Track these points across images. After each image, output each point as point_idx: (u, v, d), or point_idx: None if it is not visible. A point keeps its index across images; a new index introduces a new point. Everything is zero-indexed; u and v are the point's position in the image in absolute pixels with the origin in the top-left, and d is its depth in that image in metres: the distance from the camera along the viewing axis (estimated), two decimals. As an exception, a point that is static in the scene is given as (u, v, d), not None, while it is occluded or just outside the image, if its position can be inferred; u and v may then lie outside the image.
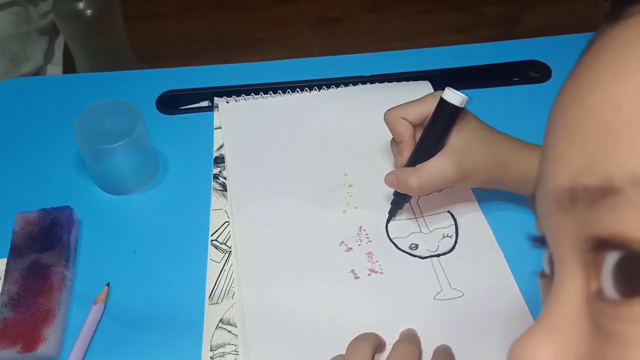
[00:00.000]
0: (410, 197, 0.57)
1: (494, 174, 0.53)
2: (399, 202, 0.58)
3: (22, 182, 0.63)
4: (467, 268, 0.55)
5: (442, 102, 0.52)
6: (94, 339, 0.51)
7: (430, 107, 0.53)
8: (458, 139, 0.53)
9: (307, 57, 0.76)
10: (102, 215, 0.60)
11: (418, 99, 0.55)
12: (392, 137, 0.58)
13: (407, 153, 0.55)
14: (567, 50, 0.76)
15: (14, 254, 0.54)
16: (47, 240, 0.55)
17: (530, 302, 0.52)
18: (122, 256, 0.57)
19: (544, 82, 0.72)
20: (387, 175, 0.56)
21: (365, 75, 0.72)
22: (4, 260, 0.54)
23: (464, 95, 0.51)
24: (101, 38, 0.92)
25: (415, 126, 0.55)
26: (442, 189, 0.56)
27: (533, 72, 0.73)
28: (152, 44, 1.66)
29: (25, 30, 1.02)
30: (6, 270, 0.53)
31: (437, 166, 0.52)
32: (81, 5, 0.86)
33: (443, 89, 0.52)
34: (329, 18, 1.83)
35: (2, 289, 0.52)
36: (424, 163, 0.53)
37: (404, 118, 0.55)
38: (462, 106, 0.51)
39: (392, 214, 0.59)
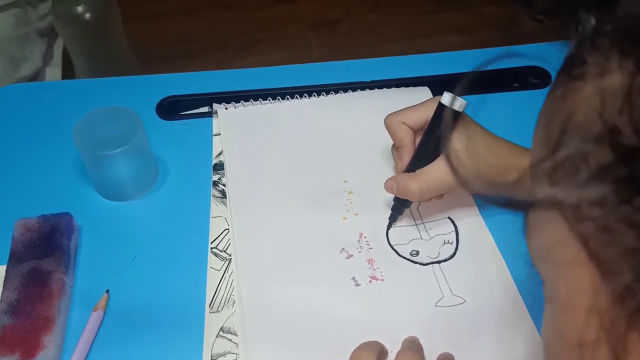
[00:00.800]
0: (411, 202, 0.57)
1: (494, 179, 0.53)
2: (399, 207, 0.58)
3: (22, 188, 0.63)
4: (468, 274, 0.55)
5: (441, 107, 0.52)
6: (94, 346, 0.51)
7: (430, 112, 0.53)
8: (458, 143, 0.53)
9: (306, 58, 0.76)
10: (102, 222, 0.60)
11: (418, 104, 0.55)
12: (392, 142, 0.58)
13: (407, 158, 0.55)
14: (567, 55, 0.76)
15: (14, 260, 0.54)
16: (47, 247, 0.55)
17: (531, 307, 0.52)
18: (122, 263, 0.57)
19: (544, 87, 0.72)
20: (386, 181, 0.56)
21: (365, 80, 0.72)
22: (4, 267, 0.54)
23: (463, 100, 0.51)
24: (100, 41, 0.92)
25: (415, 131, 0.55)
26: (442, 195, 0.56)
27: (533, 78, 0.73)
28: (151, 44, 1.66)
29: (24, 32, 1.02)
30: (5, 277, 0.53)
31: (437, 171, 0.53)
32: (80, 8, 0.85)
33: (442, 94, 0.52)
34: (328, 19, 1.83)
35: (2, 296, 0.52)
36: (424, 168, 0.53)
37: (404, 123, 0.55)
38: (460, 110, 0.51)
39: (392, 219, 0.59)
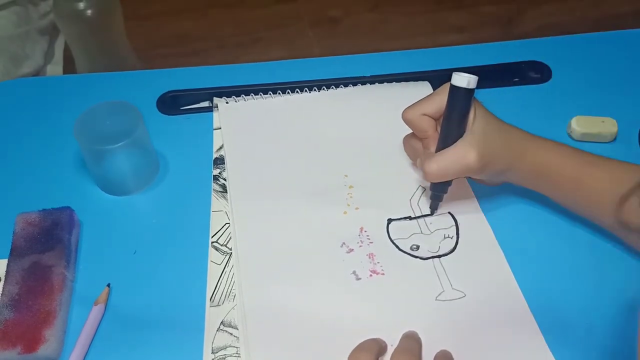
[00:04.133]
0: (447, 187, 0.57)
1: (509, 162, 0.54)
2: (438, 195, 0.57)
3: (23, 183, 0.63)
4: (468, 269, 0.55)
5: (453, 89, 0.52)
6: (95, 340, 0.51)
7: (446, 98, 0.53)
8: (476, 125, 0.53)
9: (306, 57, 0.76)
10: (103, 216, 0.60)
11: (432, 93, 0.55)
12: (404, 135, 0.58)
13: (434, 147, 0.55)
14: (568, 50, 0.77)
15: (15, 254, 0.54)
16: (48, 241, 0.55)
17: (531, 301, 0.52)
18: (123, 257, 0.57)
19: (545, 82, 0.72)
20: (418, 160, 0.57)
21: (366, 75, 0.72)
22: (5, 261, 0.54)
23: (472, 75, 0.51)
24: (101, 38, 0.92)
25: (436, 120, 0.55)
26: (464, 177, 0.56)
27: (533, 73, 0.73)
28: (152, 43, 1.66)
29: (25, 30, 1.02)
30: (7, 271, 0.53)
31: (458, 152, 0.52)
32: (81, 5, 0.85)
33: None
34: (329, 17, 1.83)
35: (3, 290, 0.52)
36: (444, 149, 0.53)
37: (425, 114, 0.54)
38: (471, 87, 0.51)
39: (433, 208, 0.59)
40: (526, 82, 0.72)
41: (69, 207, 0.58)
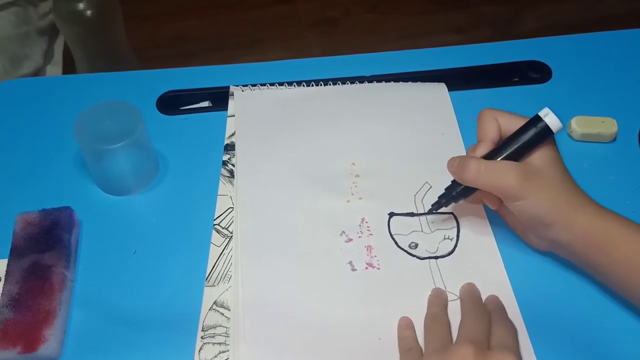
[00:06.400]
0: (461, 197, 0.55)
1: (558, 212, 0.50)
2: (449, 197, 0.55)
3: (23, 183, 0.63)
4: (464, 273, 0.55)
5: (537, 119, 0.51)
6: (95, 340, 0.51)
7: (522, 123, 0.52)
8: (537, 161, 0.51)
9: (306, 57, 0.76)
10: (103, 216, 0.60)
11: (520, 116, 0.53)
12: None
13: (480, 152, 0.53)
14: (568, 50, 0.77)
15: (15, 254, 0.54)
16: (48, 241, 0.55)
17: (525, 310, 0.52)
18: (123, 257, 0.57)
19: (544, 82, 0.72)
20: (451, 158, 0.53)
21: (365, 75, 0.72)
22: (5, 261, 0.54)
23: (560, 123, 0.50)
24: (101, 38, 0.92)
25: (501, 135, 0.53)
26: (482, 200, 0.55)
27: (533, 73, 0.73)
28: (151, 44, 1.66)
29: (24, 30, 1.02)
30: (7, 271, 0.53)
31: (503, 167, 0.50)
32: (81, 5, 0.86)
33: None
34: (328, 18, 1.83)
35: (3, 290, 0.52)
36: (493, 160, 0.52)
37: (496, 119, 0.53)
38: (553, 131, 0.50)
39: (435, 207, 0.56)
40: (526, 82, 0.72)
41: (68, 207, 0.58)
